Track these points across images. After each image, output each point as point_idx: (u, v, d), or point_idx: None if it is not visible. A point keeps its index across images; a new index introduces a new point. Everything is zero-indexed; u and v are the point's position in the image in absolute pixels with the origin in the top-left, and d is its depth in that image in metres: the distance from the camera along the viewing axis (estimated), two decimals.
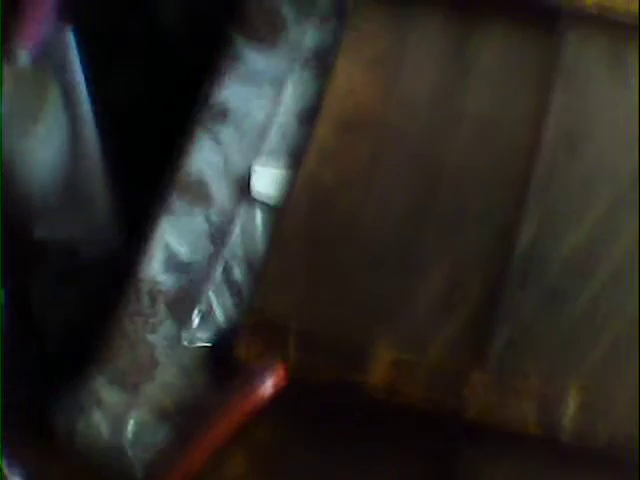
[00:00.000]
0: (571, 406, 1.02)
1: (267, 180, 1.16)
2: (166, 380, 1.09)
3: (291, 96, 1.21)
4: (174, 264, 1.13)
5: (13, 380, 1.13)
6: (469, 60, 1.18)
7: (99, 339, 1.11)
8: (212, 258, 1.13)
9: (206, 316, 1.11)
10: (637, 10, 1.15)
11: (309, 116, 1.19)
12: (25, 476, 1.05)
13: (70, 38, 1.24)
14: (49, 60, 1.23)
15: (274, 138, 1.19)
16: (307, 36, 1.23)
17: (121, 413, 1.08)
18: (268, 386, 1.04)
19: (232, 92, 1.21)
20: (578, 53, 1.16)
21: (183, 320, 1.11)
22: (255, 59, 1.22)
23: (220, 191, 1.17)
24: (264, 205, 1.15)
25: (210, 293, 1.12)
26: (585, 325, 1.07)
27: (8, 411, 1.08)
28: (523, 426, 1.02)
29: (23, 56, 1.19)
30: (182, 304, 1.12)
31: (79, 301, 1.20)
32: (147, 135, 1.34)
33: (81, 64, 1.25)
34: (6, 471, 1.02)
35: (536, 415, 1.02)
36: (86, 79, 1.26)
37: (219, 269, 1.13)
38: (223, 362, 1.08)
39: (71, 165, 1.24)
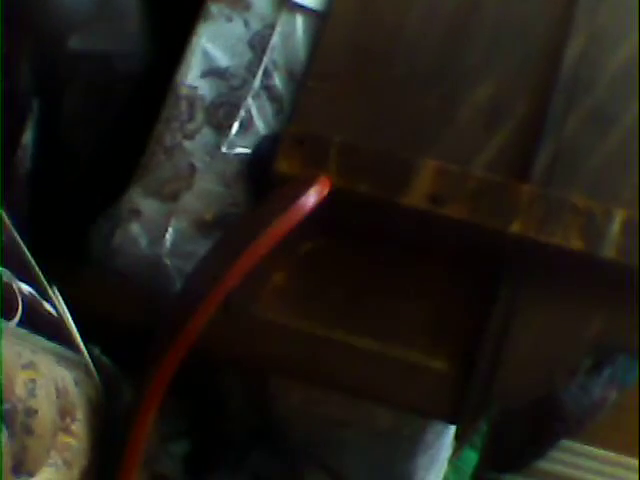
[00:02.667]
0: (615, 225, 1.02)
1: None
2: (205, 188, 1.07)
3: None
4: (212, 70, 1.10)
5: (48, 204, 1.10)
6: None
7: (134, 154, 1.08)
8: (251, 65, 1.10)
9: (245, 123, 1.09)
10: None
11: None
12: (65, 298, 1.03)
13: None
14: None
15: None
16: None
17: (159, 224, 1.07)
18: (310, 197, 1.02)
19: None
20: None
21: (221, 127, 1.09)
22: None
23: None
24: (306, 11, 1.11)
25: (249, 100, 1.09)
26: (628, 146, 1.06)
27: (48, 235, 1.06)
28: (566, 240, 1.02)
29: None
30: (220, 111, 1.09)
31: (112, 118, 1.16)
32: None
33: None
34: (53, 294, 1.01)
35: (580, 230, 1.02)
36: None
37: (258, 76, 1.10)
38: (263, 172, 1.06)
39: None
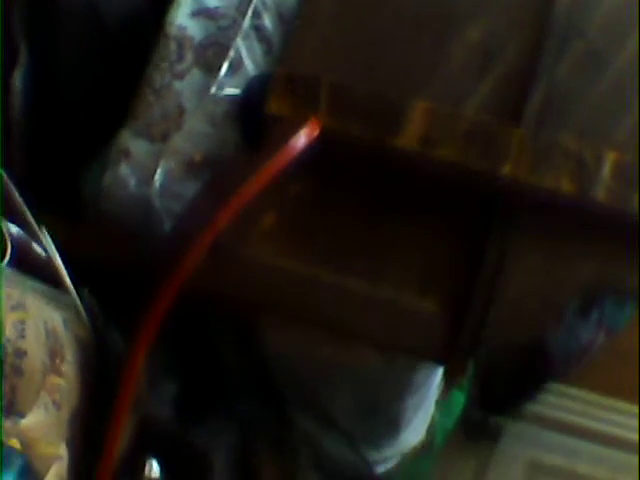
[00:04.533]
0: (606, 168, 1.02)
1: None
2: (194, 129, 1.07)
3: None
4: (202, 10, 1.08)
5: (39, 147, 1.09)
6: None
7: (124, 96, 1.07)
8: (241, 5, 1.09)
9: (234, 64, 1.08)
10: None
11: None
12: (54, 239, 1.03)
13: None
14: None
15: None
16: None
17: (148, 164, 1.06)
18: (300, 138, 1.01)
19: None
20: None
21: (211, 68, 1.08)
22: None
23: None
24: None
25: (239, 40, 1.08)
26: (620, 90, 1.05)
27: (38, 178, 1.05)
28: (557, 184, 1.01)
29: None
30: (210, 51, 1.08)
31: (102, 60, 1.14)
32: None
33: None
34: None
35: (571, 173, 1.01)
36: None
37: (248, 16, 1.08)
38: (253, 113, 1.05)
39: None
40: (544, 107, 1.04)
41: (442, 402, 1.25)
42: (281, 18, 1.09)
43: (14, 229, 1.00)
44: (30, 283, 0.98)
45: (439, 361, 1.08)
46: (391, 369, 1.08)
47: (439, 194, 1.04)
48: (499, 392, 1.28)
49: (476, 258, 1.04)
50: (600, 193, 1.01)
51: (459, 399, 1.28)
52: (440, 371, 1.14)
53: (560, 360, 1.24)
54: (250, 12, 1.09)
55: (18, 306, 0.91)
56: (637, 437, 1.34)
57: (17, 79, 1.09)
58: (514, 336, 1.05)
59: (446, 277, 1.04)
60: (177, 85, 1.07)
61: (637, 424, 1.33)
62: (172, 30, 1.08)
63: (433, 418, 1.25)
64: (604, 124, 1.04)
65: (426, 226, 1.05)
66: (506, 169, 1.01)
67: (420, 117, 1.02)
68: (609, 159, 1.02)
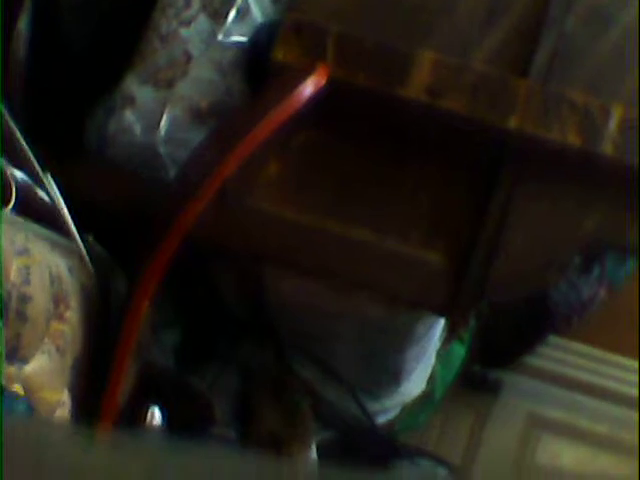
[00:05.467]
0: (612, 121, 1.01)
1: None
2: (200, 76, 1.06)
3: None
4: None
5: (43, 92, 1.08)
6: None
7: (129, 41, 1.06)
8: None
9: (241, 11, 1.07)
10: None
11: None
12: (59, 185, 1.02)
13: None
14: None
15: None
16: None
17: (154, 111, 1.06)
18: (307, 86, 1.01)
19: None
20: None
21: (218, 15, 1.07)
22: None
23: None
24: None
25: None
26: (627, 44, 1.04)
27: (43, 123, 1.04)
28: (563, 137, 1.01)
29: None
30: None
31: (109, 5, 1.13)
32: None
33: None
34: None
35: (577, 126, 1.01)
36: None
37: None
38: (260, 61, 1.05)
39: None
40: (552, 60, 1.03)
41: (443, 354, 1.25)
42: None
43: (19, 175, 0.99)
44: (35, 229, 0.98)
45: (441, 312, 1.08)
46: (393, 320, 1.08)
47: (445, 146, 1.04)
48: (500, 345, 1.29)
49: (480, 210, 1.03)
50: (606, 146, 1.01)
51: (460, 352, 1.29)
52: (442, 323, 1.14)
53: (561, 315, 1.25)
54: None
55: (23, 251, 0.91)
56: (637, 392, 1.35)
57: (22, 23, 1.08)
58: (516, 289, 1.05)
59: (450, 229, 1.04)
60: (183, 32, 1.06)
61: (637, 379, 1.34)
62: None
63: (434, 370, 1.26)
64: (611, 78, 1.03)
65: (431, 178, 1.05)
66: (513, 121, 1.01)
67: (427, 68, 1.02)
68: (616, 113, 1.01)
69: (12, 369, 0.87)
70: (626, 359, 1.37)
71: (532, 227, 1.04)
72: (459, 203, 1.04)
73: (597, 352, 1.38)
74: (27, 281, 0.89)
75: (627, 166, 1.01)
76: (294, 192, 1.05)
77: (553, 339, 1.33)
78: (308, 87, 1.01)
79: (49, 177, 1.01)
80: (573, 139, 1.01)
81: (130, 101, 1.05)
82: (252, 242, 1.04)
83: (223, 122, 1.04)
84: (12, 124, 0.99)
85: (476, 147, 1.03)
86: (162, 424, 1.03)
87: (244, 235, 1.04)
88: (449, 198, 1.04)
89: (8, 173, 0.97)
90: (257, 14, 1.07)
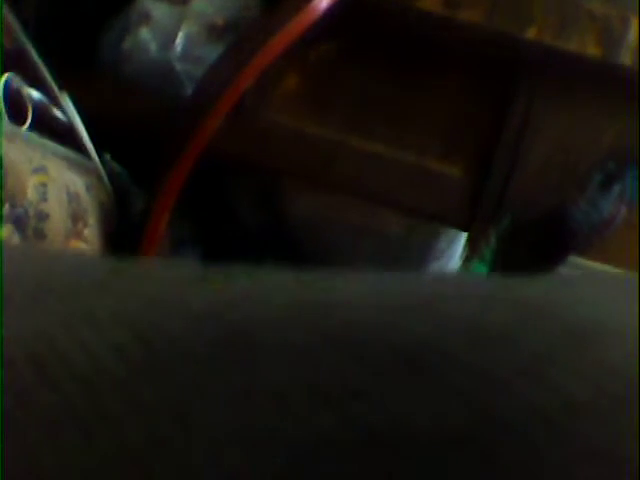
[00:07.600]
0: (631, 32, 1.00)
1: None
2: None
3: None
4: None
5: (58, 9, 1.07)
6: None
7: None
8: None
9: None
10: None
11: None
12: (75, 104, 1.01)
13: None
14: None
15: None
16: None
17: (170, 28, 1.04)
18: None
19: None
20: None
21: None
22: None
23: None
24: None
25: None
26: None
27: (58, 41, 1.03)
28: (583, 46, 0.99)
29: None
30: None
31: None
32: None
33: None
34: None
35: (597, 36, 1.00)
36: None
37: None
38: None
39: None
40: None
41: (464, 271, 1.25)
42: None
43: (35, 94, 0.99)
44: (51, 147, 0.97)
45: (461, 227, 1.08)
46: (413, 235, 1.08)
47: (462, 59, 1.03)
48: (520, 264, 1.28)
49: (499, 124, 1.02)
50: (625, 57, 0.99)
51: (481, 270, 1.28)
52: (462, 240, 1.13)
53: (581, 233, 1.24)
54: None
55: (40, 169, 0.90)
56: None
57: None
58: (536, 205, 1.04)
59: (469, 143, 1.03)
60: None
61: None
62: None
63: None
64: None
65: (450, 91, 1.04)
66: (531, 32, 1.00)
67: None
68: (635, 24, 1.00)
69: None
70: None
71: (551, 140, 1.03)
72: (478, 117, 1.03)
73: (617, 271, 1.37)
74: (44, 198, 0.89)
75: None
76: (313, 106, 1.04)
77: (572, 258, 1.32)
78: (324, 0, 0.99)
79: (65, 95, 1.00)
80: (593, 50, 1.00)
81: (145, 18, 1.04)
82: (270, 156, 1.04)
83: (240, 37, 1.03)
84: (27, 42, 0.99)
85: (494, 60, 1.02)
86: None
87: (262, 149, 1.04)
88: (468, 112, 1.04)
89: (24, 92, 0.97)
90: None
